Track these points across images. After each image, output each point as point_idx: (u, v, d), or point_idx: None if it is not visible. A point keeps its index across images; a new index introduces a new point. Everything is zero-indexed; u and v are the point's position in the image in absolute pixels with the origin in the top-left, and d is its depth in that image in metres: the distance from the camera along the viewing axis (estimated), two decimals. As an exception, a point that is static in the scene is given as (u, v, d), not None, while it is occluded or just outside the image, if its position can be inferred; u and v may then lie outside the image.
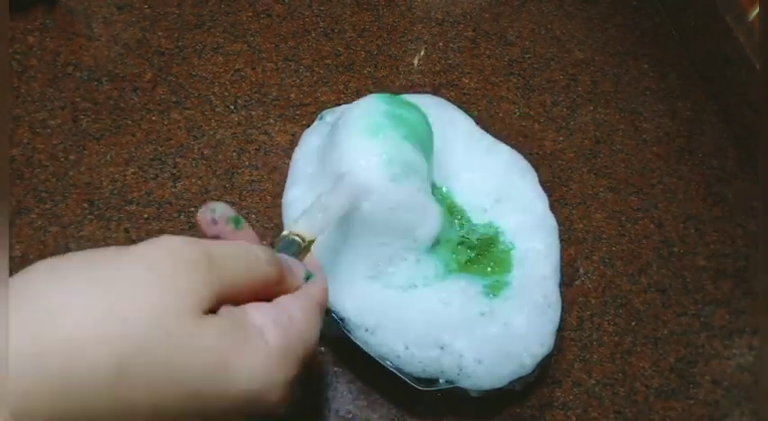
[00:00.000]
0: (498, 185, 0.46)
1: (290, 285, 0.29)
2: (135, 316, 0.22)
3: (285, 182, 0.44)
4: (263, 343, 0.25)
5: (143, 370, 0.22)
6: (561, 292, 0.42)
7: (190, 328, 0.23)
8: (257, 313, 0.26)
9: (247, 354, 0.25)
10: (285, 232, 0.33)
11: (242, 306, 0.26)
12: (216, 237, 0.30)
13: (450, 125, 0.48)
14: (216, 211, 0.30)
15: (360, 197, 0.36)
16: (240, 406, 0.25)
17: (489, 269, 0.43)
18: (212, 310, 0.25)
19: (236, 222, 0.30)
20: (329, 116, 0.47)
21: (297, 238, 0.33)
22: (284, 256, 0.31)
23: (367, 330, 0.38)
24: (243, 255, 0.27)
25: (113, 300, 0.23)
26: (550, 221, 0.45)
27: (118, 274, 0.23)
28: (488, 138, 0.48)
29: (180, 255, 0.24)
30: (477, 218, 0.45)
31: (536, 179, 0.47)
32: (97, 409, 0.22)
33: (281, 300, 0.28)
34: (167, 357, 0.23)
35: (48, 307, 0.22)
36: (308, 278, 0.31)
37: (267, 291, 0.28)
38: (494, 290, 0.41)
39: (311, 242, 0.33)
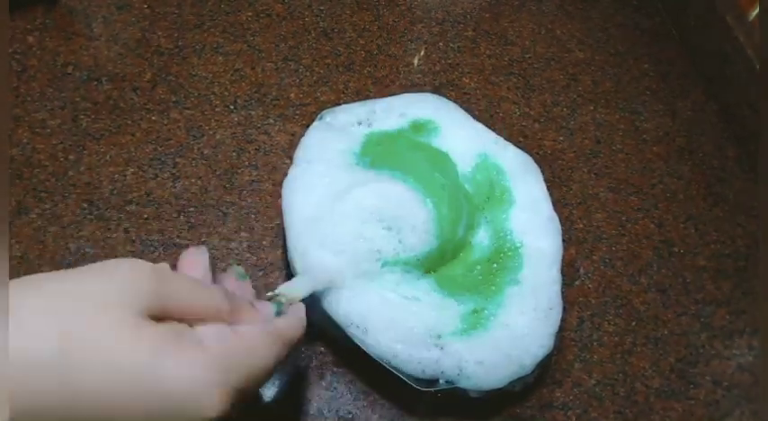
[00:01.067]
0: (504, 184, 0.46)
1: (248, 320, 0.30)
2: (81, 305, 0.25)
3: (284, 181, 0.44)
4: (199, 348, 0.26)
5: (81, 351, 0.24)
6: (563, 293, 0.42)
7: (129, 325, 0.25)
8: (201, 327, 0.28)
9: (178, 352, 0.26)
10: (271, 292, 0.35)
11: (186, 322, 0.28)
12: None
13: (453, 124, 0.48)
14: (231, 269, 0.34)
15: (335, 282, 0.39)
16: (170, 407, 0.25)
17: (495, 265, 0.43)
18: (158, 321, 0.27)
19: (241, 276, 0.34)
20: (329, 116, 0.47)
21: (282, 298, 0.34)
22: (256, 300, 0.33)
23: (358, 327, 0.38)
24: (192, 284, 0.29)
25: (64, 296, 0.25)
26: (555, 223, 0.45)
27: (73, 279, 0.26)
28: (493, 137, 0.48)
29: (135, 268, 0.27)
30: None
31: (541, 178, 0.46)
32: (47, 387, 0.24)
33: (235, 323, 0.29)
34: (105, 348, 0.25)
35: (13, 325, 0.24)
36: (278, 313, 0.33)
37: (213, 315, 0.29)
38: (495, 292, 0.41)
39: (290, 303, 0.35)
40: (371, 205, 0.40)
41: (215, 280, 0.33)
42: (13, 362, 0.24)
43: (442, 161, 0.46)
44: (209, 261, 0.33)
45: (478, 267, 0.42)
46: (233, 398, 0.27)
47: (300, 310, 0.34)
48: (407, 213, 0.41)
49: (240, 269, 0.35)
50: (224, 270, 0.34)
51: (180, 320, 0.27)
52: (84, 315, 0.25)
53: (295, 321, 0.33)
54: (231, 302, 0.30)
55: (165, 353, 0.25)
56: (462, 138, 0.47)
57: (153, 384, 0.25)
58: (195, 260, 0.33)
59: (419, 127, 0.47)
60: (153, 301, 0.26)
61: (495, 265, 0.42)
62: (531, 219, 0.44)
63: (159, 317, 0.27)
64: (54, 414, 0.24)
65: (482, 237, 0.44)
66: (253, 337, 0.29)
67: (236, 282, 0.34)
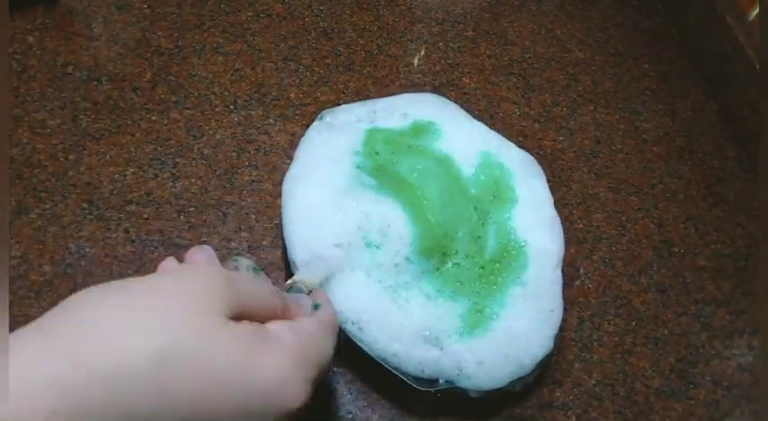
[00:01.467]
0: (508, 183, 0.46)
1: (295, 314, 0.32)
2: (171, 314, 0.26)
3: (284, 180, 0.44)
4: (280, 343, 0.28)
5: (180, 360, 0.25)
6: (563, 293, 0.42)
7: (218, 327, 0.26)
8: (273, 325, 0.30)
9: (266, 352, 0.27)
10: (289, 282, 0.37)
11: (260, 322, 0.29)
12: None
13: (454, 125, 0.48)
14: (239, 266, 0.35)
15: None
16: (263, 400, 0.27)
17: (498, 265, 0.43)
18: (235, 321, 0.28)
19: (256, 272, 0.35)
20: (329, 116, 0.47)
21: (301, 285, 0.36)
22: (292, 294, 0.35)
23: (353, 324, 0.38)
24: (255, 283, 0.31)
25: (152, 305, 0.26)
26: (557, 223, 0.45)
27: (157, 288, 0.27)
28: (495, 136, 0.48)
29: (208, 272, 0.29)
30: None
31: (544, 178, 0.46)
32: (143, 399, 0.24)
33: (293, 321, 0.31)
34: (199, 349, 0.25)
35: (97, 337, 0.25)
36: (315, 307, 0.34)
37: (272, 314, 0.31)
38: (497, 292, 0.41)
39: (313, 290, 0.37)
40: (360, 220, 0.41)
41: None
42: (112, 377, 0.24)
43: (443, 166, 0.45)
44: (216, 258, 0.34)
45: (481, 267, 0.42)
46: (311, 389, 0.29)
47: (328, 299, 0.36)
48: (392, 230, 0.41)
49: (252, 263, 0.35)
50: (236, 268, 0.35)
51: (251, 320, 0.29)
52: (170, 321, 0.26)
53: (330, 309, 0.35)
54: (282, 300, 0.31)
55: (255, 352, 0.27)
56: (464, 138, 0.47)
57: (246, 382, 0.26)
58: (203, 259, 0.33)
59: (420, 129, 0.47)
60: (232, 304, 0.28)
61: (498, 265, 0.42)
62: (534, 218, 0.44)
63: (236, 319, 0.28)
64: (152, 419, 0.25)
65: (486, 237, 0.44)
66: (313, 331, 0.31)
67: (252, 278, 0.35)
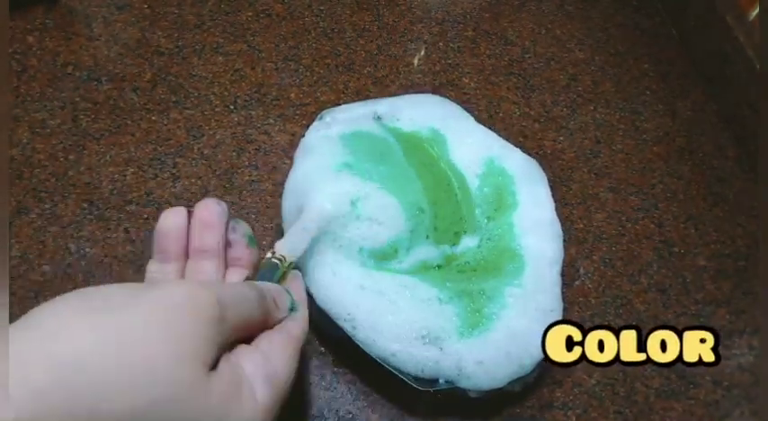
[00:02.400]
0: (510, 188, 0.46)
1: (273, 320, 0.31)
2: (152, 366, 0.24)
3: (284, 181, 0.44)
4: (254, 401, 0.27)
5: (156, 417, 0.23)
6: (563, 293, 0.42)
7: (201, 383, 0.25)
8: (250, 366, 0.28)
9: (242, 411, 0.26)
10: (268, 255, 0.35)
11: (236, 357, 0.28)
12: (227, 244, 0.34)
13: (457, 133, 0.48)
14: (237, 230, 0.34)
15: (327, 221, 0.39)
16: None
17: (496, 267, 0.42)
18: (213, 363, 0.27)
19: (251, 241, 0.35)
20: (329, 116, 0.47)
21: (277, 261, 0.35)
22: (272, 288, 0.33)
23: (346, 321, 0.38)
24: (242, 301, 0.29)
25: (135, 350, 0.24)
26: (557, 226, 0.44)
27: (139, 320, 0.24)
28: (499, 141, 0.48)
29: (199, 306, 0.26)
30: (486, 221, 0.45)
31: (546, 182, 0.46)
32: None
33: (264, 346, 0.30)
34: (177, 409, 0.24)
35: (72, 351, 0.23)
36: (291, 309, 0.33)
37: (253, 328, 0.30)
38: (494, 292, 0.41)
39: (291, 264, 0.36)
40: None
41: (228, 241, 0.35)
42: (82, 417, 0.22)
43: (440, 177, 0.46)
44: (226, 217, 0.34)
45: (480, 269, 0.42)
46: None
47: (303, 298, 0.35)
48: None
49: (250, 232, 0.35)
50: (234, 229, 0.35)
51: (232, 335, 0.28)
52: (158, 376, 0.24)
53: (303, 315, 0.34)
54: (263, 310, 0.30)
55: (230, 408, 0.26)
56: (468, 145, 0.47)
57: None
58: (211, 215, 0.33)
59: (425, 140, 0.47)
60: (217, 345, 0.26)
61: (496, 267, 0.42)
62: (533, 222, 0.44)
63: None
64: None
65: (484, 238, 0.44)
66: (284, 365, 0.30)
67: (247, 249, 0.35)
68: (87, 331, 0.23)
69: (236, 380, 0.27)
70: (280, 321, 0.32)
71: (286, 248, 0.36)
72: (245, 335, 0.29)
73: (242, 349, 0.29)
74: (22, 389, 0.21)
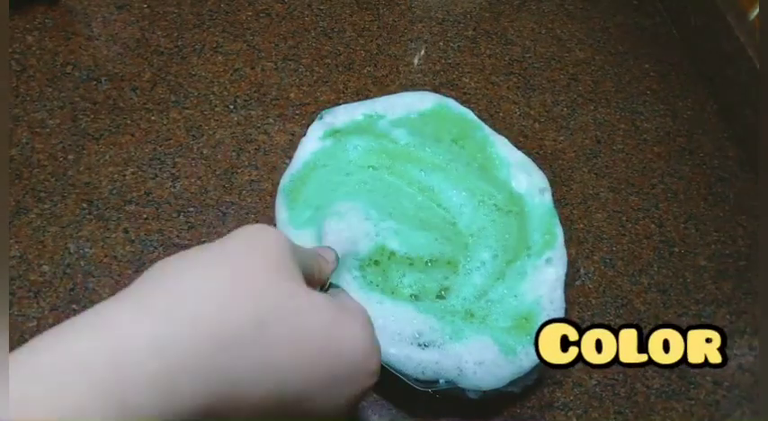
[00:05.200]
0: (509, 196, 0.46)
1: (326, 273, 0.33)
2: (261, 280, 0.26)
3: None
4: (358, 316, 0.29)
5: (279, 325, 0.25)
6: (563, 294, 0.42)
7: (304, 293, 0.27)
8: (340, 298, 0.30)
9: (353, 323, 0.28)
10: None
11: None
12: None
13: (460, 125, 0.48)
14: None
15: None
16: (350, 369, 0.27)
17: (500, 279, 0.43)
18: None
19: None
20: (328, 116, 0.47)
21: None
22: (318, 248, 0.36)
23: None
24: (312, 253, 0.32)
25: (245, 276, 0.26)
26: (559, 231, 0.44)
27: (242, 259, 0.26)
28: (500, 140, 0.48)
29: (277, 236, 0.28)
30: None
31: (546, 182, 0.46)
32: (245, 363, 0.24)
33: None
34: (296, 314, 0.26)
35: (196, 290, 0.24)
36: (336, 260, 0.36)
37: (310, 279, 0.31)
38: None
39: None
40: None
41: None
42: (215, 340, 0.23)
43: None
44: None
45: (481, 278, 0.42)
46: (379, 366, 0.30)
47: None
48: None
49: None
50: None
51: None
52: (269, 289, 0.26)
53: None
54: (317, 260, 0.32)
55: (339, 322, 0.27)
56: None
57: (336, 351, 0.27)
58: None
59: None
60: (300, 270, 0.28)
61: (500, 279, 0.43)
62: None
63: None
64: (248, 386, 0.24)
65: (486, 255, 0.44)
66: (362, 308, 0.31)
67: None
68: (201, 281, 0.25)
69: (333, 298, 0.28)
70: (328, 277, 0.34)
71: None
72: (309, 279, 0.30)
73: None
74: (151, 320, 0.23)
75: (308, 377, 0.26)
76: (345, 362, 0.27)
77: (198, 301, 0.24)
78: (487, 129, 0.48)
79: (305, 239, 0.41)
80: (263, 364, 0.24)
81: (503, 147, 0.47)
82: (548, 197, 0.46)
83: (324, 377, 0.26)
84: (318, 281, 0.32)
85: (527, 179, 0.46)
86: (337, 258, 0.35)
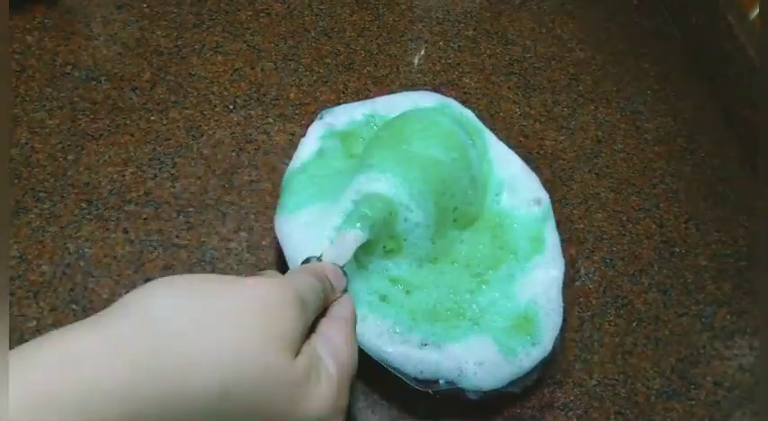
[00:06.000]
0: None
1: (331, 300, 0.33)
2: (243, 348, 0.25)
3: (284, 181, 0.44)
4: (330, 377, 0.29)
5: (242, 397, 0.25)
6: (563, 294, 0.42)
7: (285, 364, 0.27)
8: (321, 346, 0.30)
9: (320, 386, 0.28)
10: (319, 254, 0.36)
11: (312, 341, 0.30)
12: None
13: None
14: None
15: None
16: None
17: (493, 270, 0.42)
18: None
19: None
20: (328, 116, 0.47)
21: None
22: (328, 269, 0.34)
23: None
24: (313, 291, 0.31)
25: (227, 332, 0.25)
26: (549, 236, 0.44)
27: (233, 308, 0.26)
28: (498, 149, 0.47)
29: (286, 299, 0.28)
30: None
31: (541, 192, 0.46)
32: None
33: (323, 328, 0.31)
34: (264, 387, 0.26)
35: (168, 330, 0.24)
36: (345, 290, 0.35)
37: (318, 313, 0.32)
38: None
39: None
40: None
41: None
42: (173, 400, 0.24)
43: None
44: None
45: (480, 278, 0.42)
46: (344, 413, 0.30)
47: (349, 293, 0.36)
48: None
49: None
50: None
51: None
52: (245, 357, 0.25)
53: (351, 301, 0.35)
54: (325, 292, 0.32)
55: (312, 386, 0.28)
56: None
57: (304, 416, 0.27)
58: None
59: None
60: (300, 336, 0.28)
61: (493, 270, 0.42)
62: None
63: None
64: None
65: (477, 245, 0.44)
66: (346, 345, 0.31)
67: (311, 281, 0.33)
68: (184, 313, 0.25)
69: (314, 362, 0.29)
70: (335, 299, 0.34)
71: (332, 256, 0.36)
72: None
73: (316, 336, 0.30)
74: (121, 361, 0.23)
75: None
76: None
77: (166, 346, 0.24)
78: (487, 135, 0.47)
79: (305, 218, 0.41)
80: None
81: (499, 159, 0.47)
82: (540, 206, 0.45)
83: None
84: (327, 304, 0.32)
85: (516, 196, 0.45)
86: (345, 274, 0.35)
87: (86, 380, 0.22)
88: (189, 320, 0.25)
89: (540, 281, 0.42)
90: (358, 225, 0.37)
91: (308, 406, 0.27)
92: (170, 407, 0.23)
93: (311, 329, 0.31)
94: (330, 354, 0.30)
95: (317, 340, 0.30)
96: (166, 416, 0.23)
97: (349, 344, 0.31)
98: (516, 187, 0.46)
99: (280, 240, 0.41)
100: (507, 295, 0.41)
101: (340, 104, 0.49)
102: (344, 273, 0.35)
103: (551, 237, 0.44)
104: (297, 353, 0.28)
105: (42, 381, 0.22)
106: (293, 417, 0.27)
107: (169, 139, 0.49)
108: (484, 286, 0.41)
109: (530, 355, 0.39)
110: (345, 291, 0.35)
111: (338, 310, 0.33)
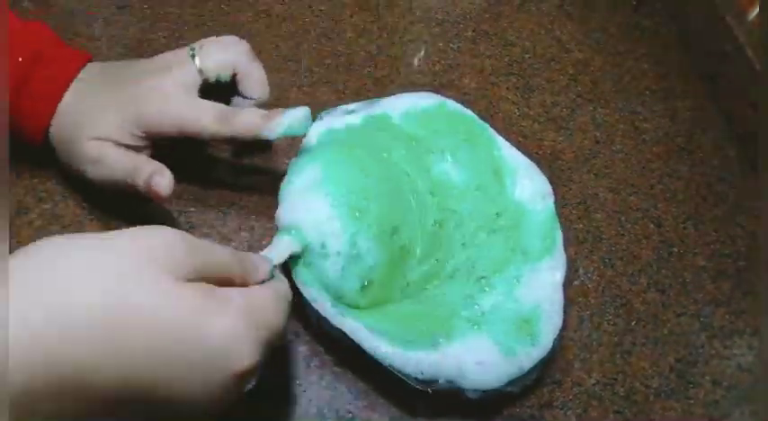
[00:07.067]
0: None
1: (252, 280, 0.32)
2: (124, 272, 0.26)
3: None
4: (230, 302, 0.28)
5: (126, 314, 0.26)
6: (563, 294, 0.42)
7: (169, 286, 0.27)
8: (235, 293, 0.29)
9: (217, 310, 0.28)
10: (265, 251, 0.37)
11: (222, 287, 0.29)
12: None
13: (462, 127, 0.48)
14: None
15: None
16: (211, 360, 0.27)
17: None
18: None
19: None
20: (328, 116, 0.47)
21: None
22: (252, 255, 0.34)
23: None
24: (217, 253, 0.31)
25: (106, 263, 0.26)
26: (559, 235, 0.45)
27: (111, 243, 0.27)
28: (504, 143, 0.48)
29: (174, 238, 0.29)
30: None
31: (548, 187, 0.46)
32: (90, 349, 0.25)
33: (245, 287, 0.31)
34: (150, 306, 0.26)
35: (55, 282, 0.25)
36: (272, 276, 0.34)
37: (232, 280, 0.31)
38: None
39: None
40: None
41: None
42: (55, 318, 0.25)
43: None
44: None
45: (483, 279, 0.42)
46: (262, 352, 0.29)
47: (286, 283, 0.35)
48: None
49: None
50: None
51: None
52: (126, 275, 0.26)
53: (285, 283, 0.34)
54: (242, 265, 0.32)
55: (205, 310, 0.27)
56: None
57: (196, 339, 0.27)
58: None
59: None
60: (189, 271, 0.28)
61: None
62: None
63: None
64: (97, 371, 0.25)
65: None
66: (266, 296, 0.31)
67: (214, 245, 0.33)
68: (75, 267, 0.26)
69: (210, 290, 0.28)
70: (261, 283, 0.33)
71: (270, 255, 0.36)
72: (226, 284, 0.30)
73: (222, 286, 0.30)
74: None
75: (159, 363, 0.26)
76: (203, 349, 0.27)
77: (57, 283, 0.25)
78: (492, 131, 0.48)
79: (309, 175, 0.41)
80: (105, 351, 0.25)
81: (508, 150, 0.47)
82: (549, 202, 0.45)
83: (178, 363, 0.27)
84: (241, 284, 0.32)
85: (531, 186, 0.45)
86: (272, 270, 0.34)
87: None
88: (71, 269, 0.26)
89: (545, 283, 0.42)
90: (293, 232, 0.38)
91: (210, 331, 0.27)
92: (62, 326, 0.25)
93: None
94: (238, 293, 0.29)
95: (229, 288, 0.30)
96: (60, 341, 0.24)
97: (268, 297, 0.31)
98: (529, 176, 0.46)
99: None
100: (512, 298, 0.41)
101: (340, 105, 0.49)
102: (272, 269, 0.34)
103: (559, 236, 0.44)
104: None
105: None
106: (189, 340, 0.27)
107: (170, 140, 0.49)
108: (487, 289, 0.42)
109: (530, 355, 0.39)
110: (273, 277, 0.34)
111: (272, 283, 0.33)
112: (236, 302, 0.29)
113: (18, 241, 0.43)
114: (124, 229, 0.28)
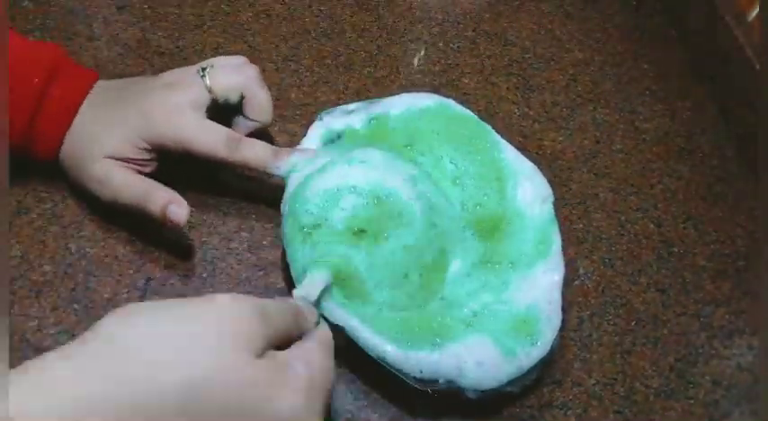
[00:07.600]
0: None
1: (305, 329, 0.34)
2: (202, 352, 0.27)
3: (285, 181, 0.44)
4: (299, 378, 0.30)
5: (207, 394, 0.27)
6: (563, 294, 0.42)
7: (244, 365, 0.28)
8: (292, 356, 0.31)
9: (288, 387, 0.29)
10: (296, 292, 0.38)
11: (281, 352, 0.31)
12: None
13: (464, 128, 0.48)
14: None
15: None
16: None
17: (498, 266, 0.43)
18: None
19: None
20: (328, 117, 0.47)
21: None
22: (302, 304, 0.36)
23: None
24: (281, 309, 0.33)
25: (187, 341, 0.28)
26: (556, 239, 0.44)
27: (193, 322, 0.29)
28: (506, 145, 0.48)
29: (240, 310, 0.29)
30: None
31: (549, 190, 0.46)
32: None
33: (298, 345, 0.32)
34: (226, 386, 0.27)
35: (136, 351, 0.27)
36: (317, 323, 0.36)
37: (291, 338, 0.33)
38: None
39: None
40: None
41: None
42: (141, 405, 0.26)
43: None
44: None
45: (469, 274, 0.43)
46: (322, 416, 0.31)
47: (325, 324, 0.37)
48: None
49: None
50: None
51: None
52: (207, 358, 0.27)
53: (327, 328, 0.36)
54: (297, 324, 0.33)
55: (276, 383, 0.29)
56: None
57: (268, 412, 0.28)
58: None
59: None
60: (263, 343, 0.29)
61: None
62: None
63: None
64: None
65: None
66: (322, 358, 0.32)
67: (279, 304, 0.34)
68: (144, 325, 0.28)
69: (281, 363, 0.30)
70: (308, 331, 0.34)
71: (302, 294, 0.37)
72: (285, 343, 0.32)
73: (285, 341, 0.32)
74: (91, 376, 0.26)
75: None
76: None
77: (132, 363, 0.26)
78: (494, 133, 0.48)
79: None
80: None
81: (510, 153, 0.47)
82: (548, 205, 0.45)
83: None
84: (298, 336, 0.33)
85: (532, 189, 0.45)
86: (319, 317, 0.36)
87: (57, 395, 0.25)
88: (154, 340, 0.27)
89: (542, 285, 0.42)
90: (324, 269, 0.38)
91: (277, 405, 0.28)
92: (140, 411, 0.25)
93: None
94: (300, 360, 0.31)
95: (287, 351, 0.31)
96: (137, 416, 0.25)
97: (323, 358, 0.32)
98: (531, 180, 0.46)
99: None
100: (508, 300, 0.41)
101: (340, 105, 0.49)
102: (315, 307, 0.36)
103: (556, 240, 0.44)
104: (260, 357, 0.29)
105: (15, 403, 0.23)
106: (262, 415, 0.28)
107: (170, 140, 0.49)
108: (484, 291, 0.42)
109: (529, 356, 0.39)
110: (318, 324, 0.35)
111: (312, 335, 0.34)
112: (301, 375, 0.30)
113: (18, 241, 0.43)
114: (208, 298, 0.29)
